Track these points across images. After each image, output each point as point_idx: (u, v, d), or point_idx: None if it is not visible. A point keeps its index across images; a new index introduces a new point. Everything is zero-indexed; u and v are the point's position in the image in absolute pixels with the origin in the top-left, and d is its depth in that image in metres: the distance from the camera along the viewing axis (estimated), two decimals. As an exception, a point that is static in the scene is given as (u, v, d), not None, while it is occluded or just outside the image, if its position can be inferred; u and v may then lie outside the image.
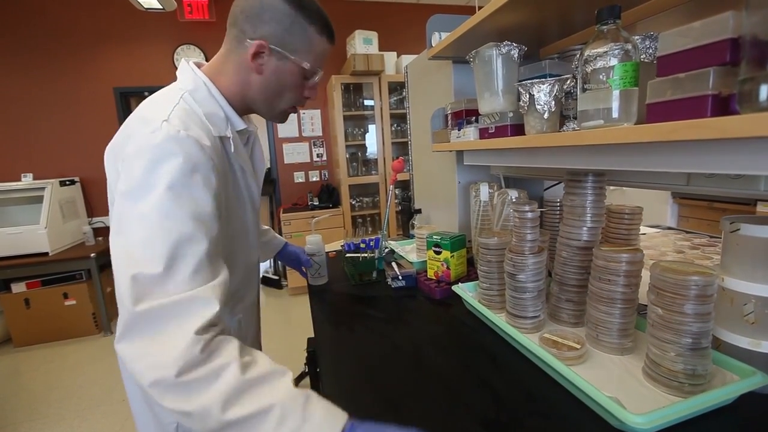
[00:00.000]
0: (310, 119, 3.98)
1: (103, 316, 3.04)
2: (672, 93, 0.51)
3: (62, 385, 2.39)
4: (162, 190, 0.55)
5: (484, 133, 1.03)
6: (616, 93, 0.60)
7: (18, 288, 2.88)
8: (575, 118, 0.76)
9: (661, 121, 0.51)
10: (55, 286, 2.96)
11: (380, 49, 3.56)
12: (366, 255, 1.34)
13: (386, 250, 1.43)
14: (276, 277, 3.93)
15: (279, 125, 3.87)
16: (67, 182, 3.25)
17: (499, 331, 0.89)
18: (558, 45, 1.12)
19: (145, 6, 2.88)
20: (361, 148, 3.94)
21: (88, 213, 3.51)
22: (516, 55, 0.90)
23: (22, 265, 2.83)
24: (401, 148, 3.93)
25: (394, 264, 1.30)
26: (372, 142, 3.85)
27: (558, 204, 1.07)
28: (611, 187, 0.88)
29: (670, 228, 1.73)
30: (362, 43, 3.43)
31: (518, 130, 0.91)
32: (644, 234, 1.55)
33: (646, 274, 0.69)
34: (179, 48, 3.52)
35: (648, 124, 0.53)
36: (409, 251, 1.51)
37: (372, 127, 3.82)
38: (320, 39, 0.72)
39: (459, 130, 1.15)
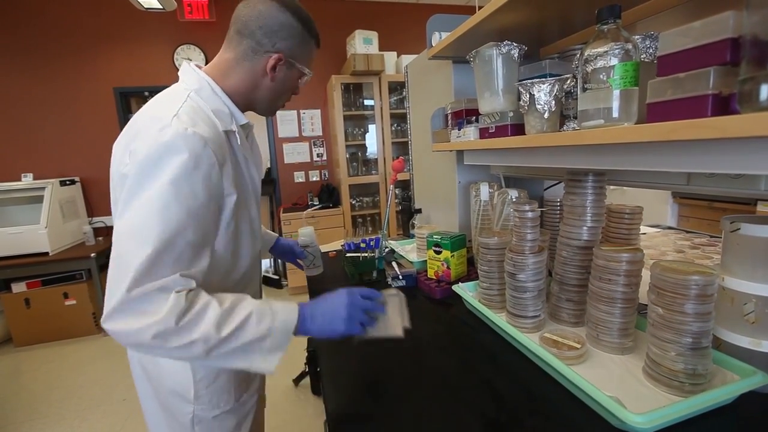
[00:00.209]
0: (310, 119, 3.98)
1: (104, 315, 3.04)
2: (672, 93, 0.52)
3: (62, 384, 2.39)
4: (165, 183, 0.61)
5: (484, 133, 1.03)
6: (616, 92, 0.60)
7: (18, 288, 2.88)
8: (575, 118, 0.76)
9: (661, 120, 0.51)
10: (55, 285, 2.96)
11: (380, 49, 3.55)
12: (366, 255, 1.34)
13: (386, 249, 1.43)
14: (276, 277, 3.93)
15: (279, 125, 3.88)
16: (68, 182, 3.25)
17: (499, 331, 0.89)
18: (558, 45, 1.13)
19: (145, 6, 2.88)
20: (361, 148, 3.93)
21: (89, 213, 3.51)
22: (516, 55, 0.90)
23: (22, 264, 2.82)
24: (401, 148, 3.93)
25: (394, 264, 1.31)
26: (372, 141, 3.85)
27: (558, 203, 1.07)
28: (611, 187, 0.88)
29: (670, 228, 1.73)
30: (362, 43, 3.43)
31: (518, 129, 0.91)
32: (644, 234, 1.55)
33: (646, 274, 0.69)
34: (179, 48, 3.52)
35: (648, 124, 0.53)
36: (410, 251, 1.51)
37: (372, 127, 3.82)
38: (315, 48, 0.84)
39: (459, 129, 1.15)
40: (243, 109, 0.83)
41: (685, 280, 0.58)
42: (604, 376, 0.68)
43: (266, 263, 4.14)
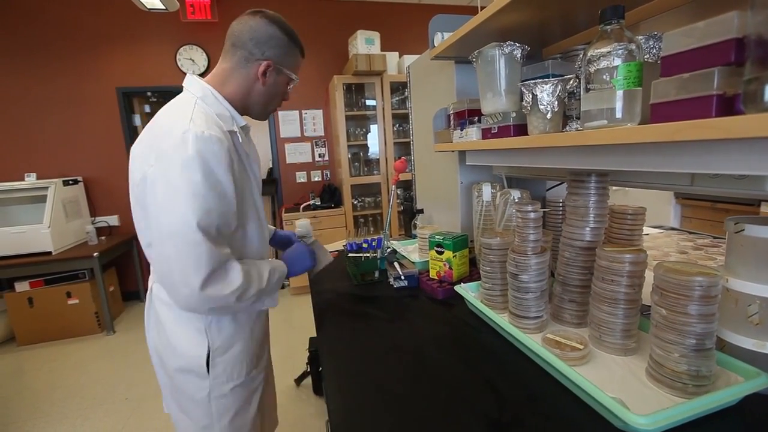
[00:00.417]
0: (312, 119, 3.98)
1: (106, 315, 3.05)
2: (676, 93, 0.51)
3: (65, 383, 2.40)
4: (199, 178, 0.75)
5: (486, 133, 1.03)
6: (619, 93, 0.60)
7: (21, 287, 2.90)
8: (578, 119, 0.76)
9: (665, 121, 0.51)
10: (58, 285, 2.97)
11: (382, 49, 3.56)
12: (368, 255, 1.34)
13: (388, 250, 1.43)
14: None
15: (281, 125, 3.89)
16: (70, 182, 3.26)
17: (501, 332, 0.89)
18: (561, 45, 1.12)
19: (148, 6, 2.89)
20: (363, 148, 3.94)
21: (91, 212, 3.52)
22: (519, 55, 0.90)
23: (25, 264, 2.84)
24: (403, 148, 3.93)
25: (396, 264, 1.31)
26: (374, 142, 3.85)
27: (560, 204, 1.07)
28: (613, 188, 0.88)
29: (673, 228, 1.72)
30: (364, 43, 3.43)
31: (521, 130, 0.91)
32: (647, 234, 1.55)
33: (649, 275, 0.69)
34: (182, 48, 3.53)
35: (652, 124, 0.53)
36: (412, 251, 1.51)
37: (374, 127, 3.82)
38: (300, 58, 0.97)
39: (461, 130, 1.15)
40: (240, 113, 0.95)
41: (688, 281, 0.58)
42: (606, 377, 0.67)
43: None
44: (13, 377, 2.53)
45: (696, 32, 0.50)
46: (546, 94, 0.77)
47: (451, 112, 1.25)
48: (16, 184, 3.04)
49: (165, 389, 1.00)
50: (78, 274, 3.03)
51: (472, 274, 1.25)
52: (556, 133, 0.79)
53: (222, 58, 0.91)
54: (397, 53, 3.70)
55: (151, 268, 0.94)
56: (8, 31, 3.21)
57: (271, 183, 4.01)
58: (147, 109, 3.84)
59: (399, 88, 3.73)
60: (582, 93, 0.66)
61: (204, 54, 3.56)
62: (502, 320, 0.87)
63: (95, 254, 2.93)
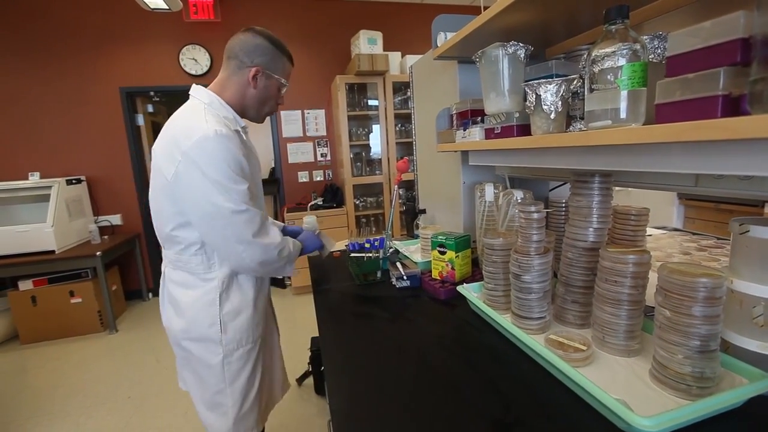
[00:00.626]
0: (314, 119, 3.99)
1: (109, 314, 3.06)
2: (681, 93, 0.51)
3: (67, 382, 2.41)
4: (225, 166, 0.93)
5: (489, 134, 1.03)
6: (624, 93, 0.60)
7: (25, 285, 2.91)
8: (582, 119, 0.76)
9: (670, 121, 0.51)
10: (61, 284, 2.98)
11: (384, 49, 3.56)
12: (370, 255, 1.34)
13: (391, 250, 1.43)
14: (280, 277, 3.94)
15: (283, 125, 3.89)
16: (74, 181, 3.27)
17: (504, 332, 0.89)
18: (564, 45, 1.12)
19: (152, 6, 2.90)
20: (365, 148, 3.94)
21: (94, 212, 3.53)
22: (522, 55, 0.90)
23: (29, 263, 2.85)
24: (405, 148, 3.93)
25: (398, 264, 1.30)
26: (376, 142, 3.85)
27: (563, 205, 1.07)
28: (615, 188, 0.87)
29: (676, 229, 1.71)
30: (367, 43, 3.44)
31: (524, 130, 0.90)
32: (650, 235, 1.54)
33: (652, 276, 0.68)
34: (185, 48, 3.53)
35: (657, 125, 0.53)
36: (414, 251, 1.51)
37: (376, 127, 3.82)
38: (289, 65, 1.11)
39: (464, 130, 1.15)
40: (239, 116, 1.09)
41: (693, 283, 0.58)
42: (610, 378, 0.67)
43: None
44: (16, 375, 2.54)
45: (702, 32, 0.50)
46: (550, 94, 0.77)
47: (454, 112, 1.24)
48: (20, 183, 3.05)
49: (180, 365, 1.16)
50: (81, 273, 3.04)
51: (475, 274, 1.25)
52: (559, 134, 0.79)
53: (221, 70, 1.07)
54: (399, 53, 3.70)
55: (164, 253, 1.10)
56: (12, 30, 3.23)
57: (273, 183, 4.01)
58: (150, 108, 3.85)
59: (401, 88, 3.73)
60: (586, 93, 0.66)
61: (207, 54, 3.57)
62: (504, 321, 0.86)
63: (98, 253, 2.94)
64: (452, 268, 1.18)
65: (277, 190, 4.05)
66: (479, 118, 1.11)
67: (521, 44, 0.89)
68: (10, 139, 3.32)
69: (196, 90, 1.05)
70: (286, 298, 3.64)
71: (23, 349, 2.89)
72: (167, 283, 1.10)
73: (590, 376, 0.63)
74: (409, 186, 3.81)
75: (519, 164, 1.02)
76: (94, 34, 3.38)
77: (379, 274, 1.33)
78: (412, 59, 3.41)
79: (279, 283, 3.93)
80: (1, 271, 2.83)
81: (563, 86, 0.76)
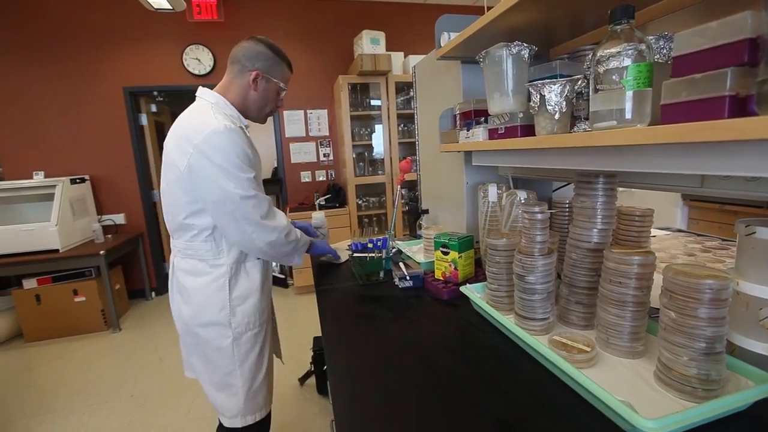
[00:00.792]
0: (317, 119, 3.99)
1: (112, 312, 3.07)
2: (687, 94, 0.51)
3: (71, 380, 2.42)
4: (234, 157, 1.01)
5: (493, 134, 1.02)
6: (629, 94, 0.59)
7: (29, 284, 2.93)
8: (586, 119, 0.76)
9: (676, 122, 0.51)
10: (65, 282, 3.00)
11: (387, 49, 3.55)
12: (373, 255, 1.34)
13: (393, 250, 1.43)
14: (282, 276, 3.94)
15: (286, 125, 3.90)
16: (78, 180, 3.29)
17: (507, 333, 0.88)
18: (568, 45, 1.12)
19: (155, 6, 2.90)
20: (368, 148, 3.93)
21: (98, 211, 3.55)
22: (526, 56, 0.90)
23: (33, 261, 2.87)
24: (408, 148, 3.92)
25: (401, 264, 1.30)
26: (379, 142, 3.85)
27: (567, 205, 1.06)
28: (619, 189, 0.87)
29: (680, 230, 1.70)
30: (369, 43, 3.43)
31: (528, 130, 0.90)
32: (654, 236, 1.53)
33: (657, 277, 0.68)
34: (188, 48, 3.54)
35: (663, 126, 0.52)
36: (417, 251, 1.51)
37: (379, 127, 3.82)
38: (288, 71, 1.19)
39: (468, 130, 1.15)
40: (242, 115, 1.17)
41: (698, 284, 0.57)
42: (614, 380, 0.67)
43: (273, 264, 4.15)
44: (20, 373, 2.55)
45: (708, 32, 0.49)
46: (554, 94, 0.77)
47: (458, 112, 1.24)
48: (25, 182, 3.07)
49: (187, 352, 1.21)
50: (85, 271, 3.06)
51: (478, 274, 1.25)
52: (564, 134, 0.78)
53: (225, 74, 1.16)
54: (402, 53, 3.69)
55: (173, 243, 1.15)
56: (16, 30, 3.25)
57: (276, 182, 4.02)
58: (153, 108, 3.86)
59: (404, 88, 3.72)
60: (591, 93, 0.66)
61: (210, 54, 3.58)
62: (508, 321, 0.86)
63: (102, 252, 2.95)
64: (455, 269, 1.18)
65: (279, 190, 4.05)
66: (482, 119, 1.11)
67: (525, 44, 0.89)
68: (15, 139, 3.34)
69: (202, 92, 1.14)
70: (288, 297, 3.65)
71: (27, 347, 2.91)
72: (176, 272, 1.15)
73: (594, 378, 0.62)
74: (411, 186, 3.80)
75: (522, 165, 1.01)
76: (99, 34, 3.39)
77: (381, 274, 1.33)
78: (415, 59, 3.41)
79: (281, 282, 3.93)
80: (5, 269, 2.84)
81: (567, 86, 0.76)
